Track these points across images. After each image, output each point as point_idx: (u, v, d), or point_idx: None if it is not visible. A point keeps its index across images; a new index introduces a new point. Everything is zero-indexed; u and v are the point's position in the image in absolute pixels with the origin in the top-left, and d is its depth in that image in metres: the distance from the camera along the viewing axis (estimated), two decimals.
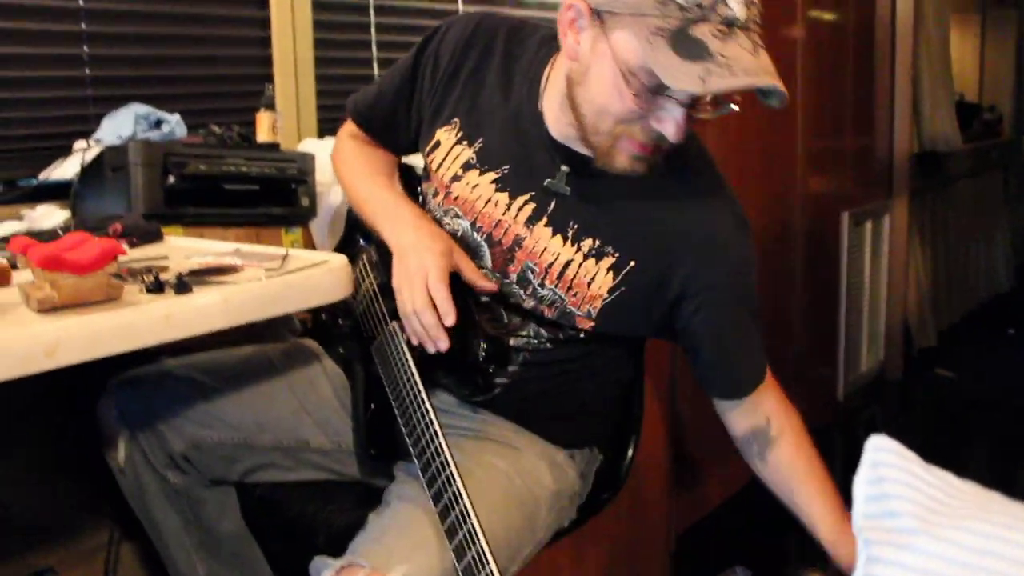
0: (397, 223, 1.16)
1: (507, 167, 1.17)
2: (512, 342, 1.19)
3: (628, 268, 1.12)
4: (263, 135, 1.68)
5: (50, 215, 1.54)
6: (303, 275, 1.00)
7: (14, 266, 1.09)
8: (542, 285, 1.14)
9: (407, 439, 1.06)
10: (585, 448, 1.31)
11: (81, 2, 1.68)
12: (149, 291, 0.96)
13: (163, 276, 0.98)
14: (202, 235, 1.50)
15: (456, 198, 1.20)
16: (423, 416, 1.03)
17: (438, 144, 1.23)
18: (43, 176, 1.58)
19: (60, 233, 1.45)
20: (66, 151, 1.59)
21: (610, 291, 1.13)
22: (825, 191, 2.91)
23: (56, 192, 1.56)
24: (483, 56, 1.21)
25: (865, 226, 3.13)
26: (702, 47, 0.92)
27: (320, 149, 1.76)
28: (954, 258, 4.19)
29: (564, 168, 1.13)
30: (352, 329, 1.28)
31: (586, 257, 1.13)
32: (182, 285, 0.95)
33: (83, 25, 1.69)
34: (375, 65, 2.17)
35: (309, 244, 1.70)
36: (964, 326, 4.20)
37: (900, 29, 3.28)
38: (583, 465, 1.30)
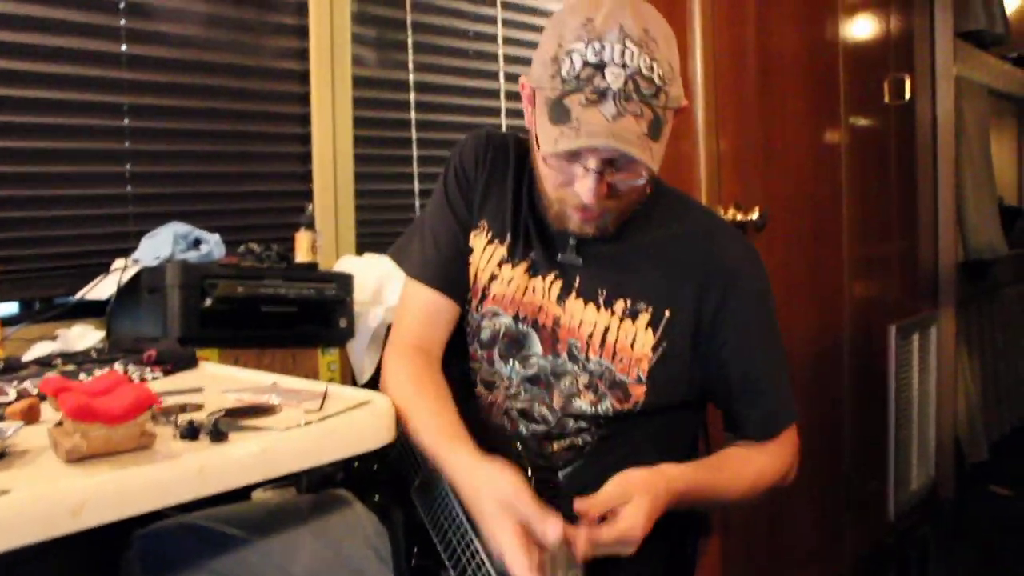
0: (456, 470, 1.07)
1: (533, 252, 1.24)
2: (558, 453, 1.20)
3: (665, 320, 1.17)
4: (302, 255, 1.66)
5: (85, 335, 1.52)
6: (344, 419, 0.95)
7: (43, 398, 1.05)
8: (588, 359, 1.18)
9: None
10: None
11: (126, 121, 1.69)
12: (183, 437, 0.91)
13: (197, 418, 0.94)
14: (238, 357, 1.47)
15: (494, 297, 1.25)
16: (472, 558, 0.98)
17: (471, 251, 1.28)
18: (80, 295, 1.56)
19: (94, 355, 1.44)
20: (105, 269, 1.58)
21: (654, 348, 1.17)
22: (871, 302, 2.85)
23: (92, 311, 1.54)
24: (499, 164, 1.29)
25: (912, 339, 3.05)
26: (567, 113, 1.05)
27: (359, 268, 1.75)
28: (1003, 368, 4.07)
29: (571, 241, 1.20)
30: (387, 474, 1.23)
31: (622, 319, 1.18)
32: (217, 433, 0.90)
33: (126, 144, 1.69)
34: (416, 182, 2.17)
35: (346, 365, 1.66)
36: (1015, 439, 4.05)
37: (942, 136, 3.26)
38: None
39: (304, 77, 1.94)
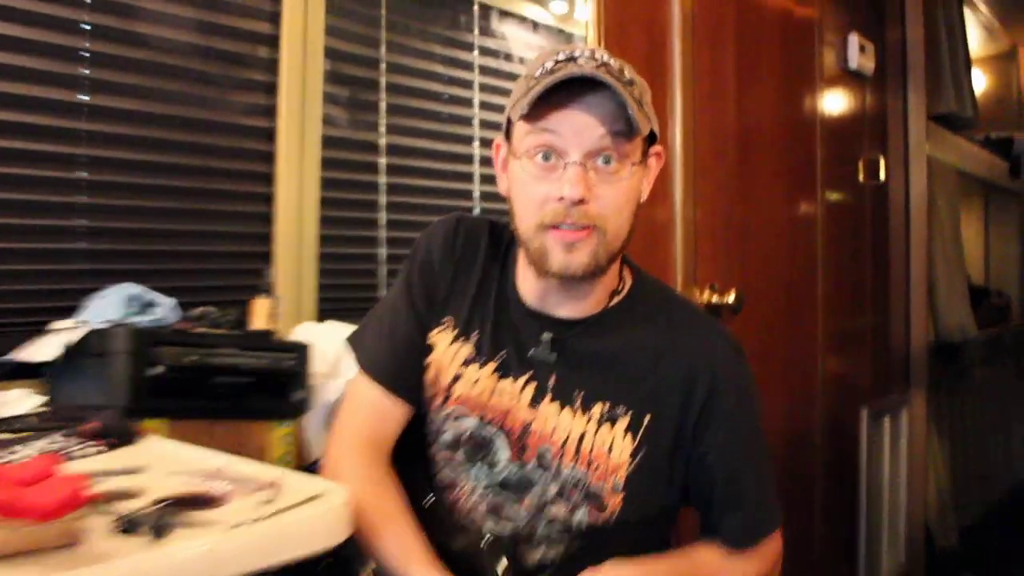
0: None
1: (504, 351, 1.21)
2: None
3: (645, 424, 1.15)
4: (259, 322, 1.61)
5: (24, 399, 1.45)
6: (297, 516, 0.89)
7: None
8: (560, 467, 1.15)
9: None
10: None
11: (84, 173, 1.63)
12: (122, 531, 0.84)
13: (137, 509, 0.87)
14: (187, 429, 1.41)
15: (458, 398, 1.20)
16: None
17: (431, 349, 1.23)
18: (15, 356, 1.49)
19: (34, 422, 1.36)
20: (50, 329, 1.51)
21: (632, 454, 1.15)
22: (844, 383, 2.84)
23: (30, 373, 1.47)
24: (469, 253, 1.28)
25: (883, 422, 3.04)
26: (536, 82, 1.09)
27: (319, 336, 1.70)
28: (972, 451, 4.08)
29: (545, 336, 1.18)
30: (334, 566, 1.17)
31: (600, 424, 1.15)
32: (159, 527, 0.83)
33: (81, 198, 1.64)
34: (383, 247, 2.13)
35: (301, 439, 1.60)
36: (986, 524, 4.04)
37: (914, 215, 3.30)
38: None
39: (271, 135, 1.91)
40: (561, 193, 1.09)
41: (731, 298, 2.10)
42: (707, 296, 2.10)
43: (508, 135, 1.18)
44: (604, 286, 1.20)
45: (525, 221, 1.14)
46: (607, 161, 1.10)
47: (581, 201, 1.08)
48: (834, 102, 2.87)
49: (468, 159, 2.32)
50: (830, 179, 2.80)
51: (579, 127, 1.08)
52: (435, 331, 1.25)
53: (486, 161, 2.32)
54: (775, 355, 2.40)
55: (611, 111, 1.07)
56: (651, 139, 1.17)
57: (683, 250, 2.08)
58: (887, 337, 3.22)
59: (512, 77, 2.40)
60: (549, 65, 1.11)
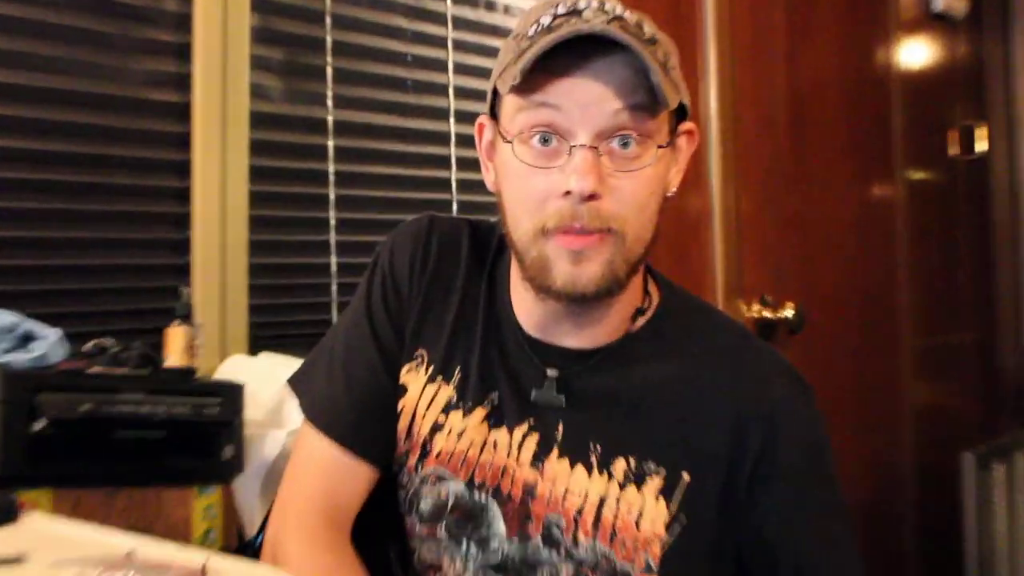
0: None
1: (495, 393, 1.21)
2: None
3: (683, 485, 1.15)
4: (174, 357, 1.62)
5: None
6: None
7: None
8: (575, 543, 1.15)
9: None
10: None
11: None
12: None
13: None
14: (79, 501, 1.40)
15: (439, 455, 1.21)
16: None
17: (404, 391, 1.24)
18: None
19: None
20: None
21: (668, 526, 1.14)
22: (939, 417, 2.86)
23: None
24: (446, 265, 1.29)
25: (995, 469, 3.04)
26: (530, 42, 1.09)
27: (253, 374, 1.71)
28: None
29: (551, 372, 1.19)
30: None
31: (624, 486, 1.15)
32: None
33: None
34: (333, 256, 2.13)
35: (230, 511, 1.60)
36: None
37: None
38: None
39: (184, 112, 1.91)
40: (566, 186, 1.08)
41: (788, 313, 2.11)
42: (756, 311, 2.11)
43: (494, 112, 1.18)
44: (624, 306, 1.20)
45: (520, 224, 1.14)
46: (625, 144, 1.09)
47: (592, 196, 1.07)
48: (915, 55, 2.89)
49: (442, 139, 2.32)
50: (912, 154, 2.82)
51: (588, 100, 1.07)
52: (405, 368, 1.26)
53: (465, 141, 2.33)
54: (848, 385, 2.41)
55: (628, 78, 1.07)
56: (680, 114, 1.17)
57: (723, 251, 2.09)
58: (994, 357, 3.23)
59: (497, 33, 2.41)
60: (546, 20, 1.11)
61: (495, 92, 1.17)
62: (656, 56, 1.08)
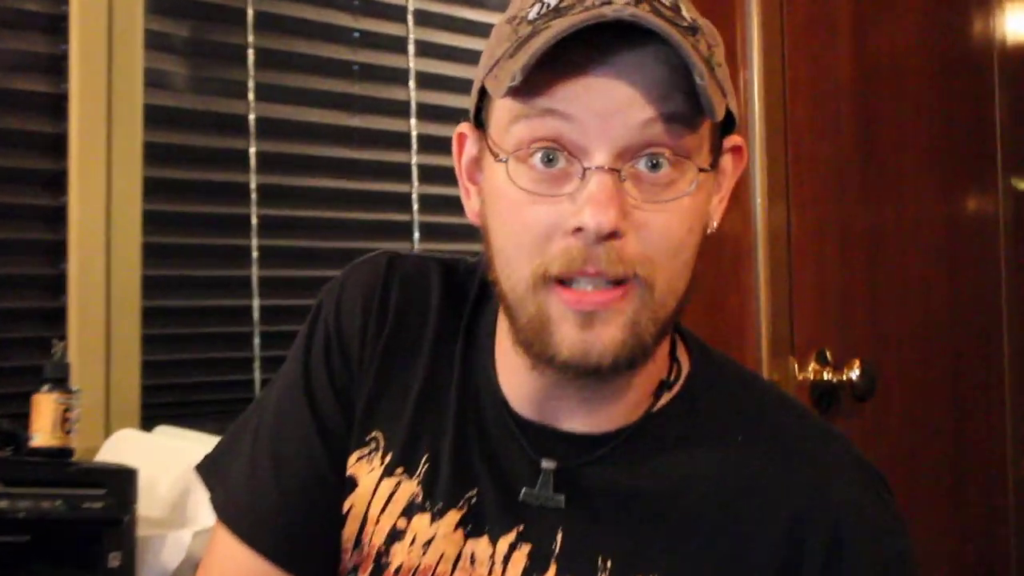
0: None
1: (474, 491, 1.20)
2: None
3: None
4: (43, 434, 1.61)
5: None
6: None
7: None
8: None
9: None
10: None
11: None
12: None
13: None
14: None
15: (398, 571, 1.19)
16: None
17: (353, 486, 1.23)
18: None
19: None
20: None
21: None
22: None
23: None
24: (411, 317, 1.28)
25: None
26: (532, 29, 1.08)
27: (147, 456, 1.72)
28: None
29: (546, 464, 1.17)
30: None
31: None
32: None
33: None
34: (255, 297, 2.14)
35: None
36: None
37: None
38: None
39: (57, 107, 1.93)
40: (577, 221, 1.07)
41: (854, 374, 2.11)
42: (812, 372, 2.12)
43: (480, 119, 1.18)
44: (646, 378, 1.20)
45: (513, 270, 1.12)
46: (655, 165, 1.08)
47: (612, 235, 1.06)
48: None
49: (400, 142, 2.33)
50: (1021, 157, 2.81)
51: (609, 107, 1.06)
52: (355, 456, 1.25)
53: (432, 144, 2.34)
54: (936, 471, 2.40)
55: (663, 79, 1.05)
56: (725, 126, 1.16)
57: (768, 291, 2.10)
58: None
59: (472, 3, 2.43)
60: (553, 2, 1.10)
61: (482, 94, 1.16)
62: (699, 50, 1.07)
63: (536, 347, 1.10)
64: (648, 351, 1.11)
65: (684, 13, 1.10)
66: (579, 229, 1.05)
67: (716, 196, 1.17)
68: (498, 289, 1.15)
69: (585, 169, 1.06)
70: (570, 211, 1.06)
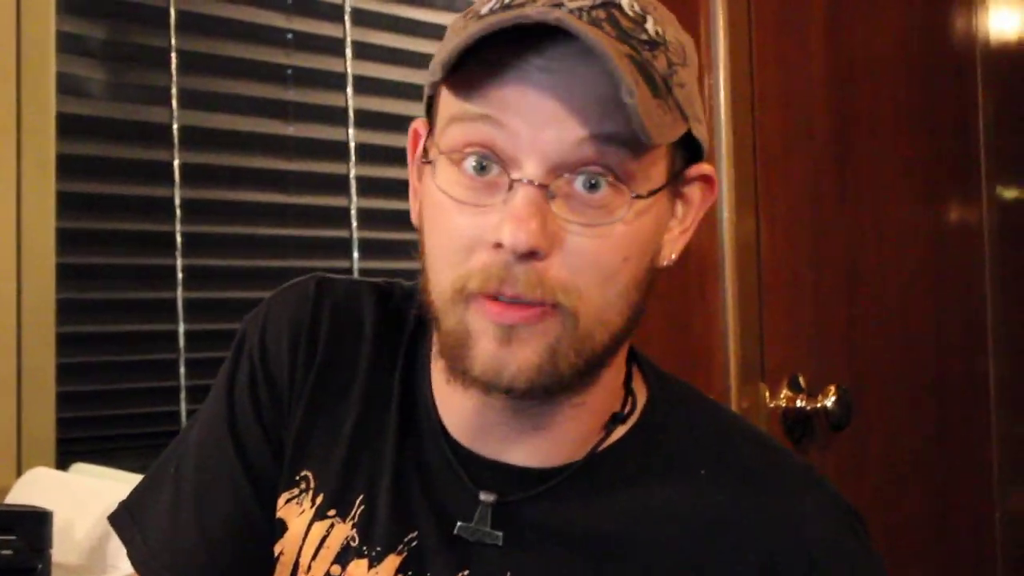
0: None
1: (414, 533, 1.20)
2: None
3: None
4: None
5: None
6: None
7: None
8: None
9: None
10: None
11: None
12: None
13: None
14: None
15: None
16: None
17: (283, 530, 1.22)
18: None
19: None
20: None
21: None
22: None
23: None
24: (344, 345, 1.28)
25: None
26: (480, 21, 1.06)
27: (64, 496, 1.72)
28: None
29: (484, 497, 1.17)
30: None
31: None
32: None
33: None
34: (180, 322, 2.11)
35: None
36: None
37: None
38: None
39: None
40: (496, 236, 1.06)
41: (829, 401, 2.11)
42: (784, 399, 2.11)
43: (432, 114, 1.17)
44: (593, 410, 1.19)
45: (439, 279, 1.12)
46: (593, 186, 1.07)
47: (533, 254, 1.05)
48: (1010, 21, 2.90)
49: (337, 152, 2.33)
50: (1006, 164, 2.82)
51: (542, 118, 1.05)
52: (284, 498, 1.24)
53: (371, 154, 2.34)
54: (916, 505, 2.41)
55: (606, 96, 1.03)
56: (694, 152, 1.16)
57: (736, 312, 2.09)
58: None
59: (417, 3, 2.43)
60: None
61: (434, 88, 1.15)
62: (651, 66, 1.06)
63: (454, 361, 1.12)
64: (565, 383, 1.11)
65: (648, 26, 1.09)
66: (499, 244, 1.05)
67: (677, 228, 1.17)
68: (427, 302, 1.15)
69: (512, 181, 1.06)
70: (494, 224, 1.06)
